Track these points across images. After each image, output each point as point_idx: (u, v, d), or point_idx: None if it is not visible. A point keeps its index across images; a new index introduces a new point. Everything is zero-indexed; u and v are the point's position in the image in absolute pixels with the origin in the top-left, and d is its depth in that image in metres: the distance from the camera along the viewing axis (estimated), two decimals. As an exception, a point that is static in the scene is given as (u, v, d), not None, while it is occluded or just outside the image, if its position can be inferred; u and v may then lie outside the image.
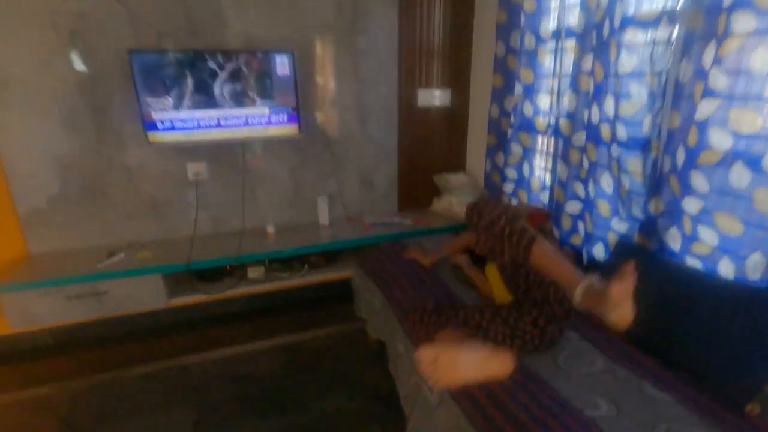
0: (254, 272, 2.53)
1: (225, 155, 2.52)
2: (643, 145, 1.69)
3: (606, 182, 1.92)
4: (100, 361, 2.23)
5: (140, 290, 2.18)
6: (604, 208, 1.96)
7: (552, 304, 1.51)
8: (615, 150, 1.80)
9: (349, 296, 2.45)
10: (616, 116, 1.77)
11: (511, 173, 2.57)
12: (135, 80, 2.11)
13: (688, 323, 1.45)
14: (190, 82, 2.18)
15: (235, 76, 2.26)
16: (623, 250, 1.83)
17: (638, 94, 1.68)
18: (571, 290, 1.17)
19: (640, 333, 1.56)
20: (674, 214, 1.62)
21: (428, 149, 2.97)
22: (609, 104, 1.81)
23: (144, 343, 2.38)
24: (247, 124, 2.37)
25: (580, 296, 1.15)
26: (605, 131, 1.85)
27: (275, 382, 2.07)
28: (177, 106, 2.21)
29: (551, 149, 2.25)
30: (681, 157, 1.55)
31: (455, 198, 2.80)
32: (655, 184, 1.65)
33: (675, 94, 1.54)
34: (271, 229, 2.57)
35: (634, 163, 1.73)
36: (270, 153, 2.61)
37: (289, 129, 2.46)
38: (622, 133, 1.77)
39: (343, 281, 2.62)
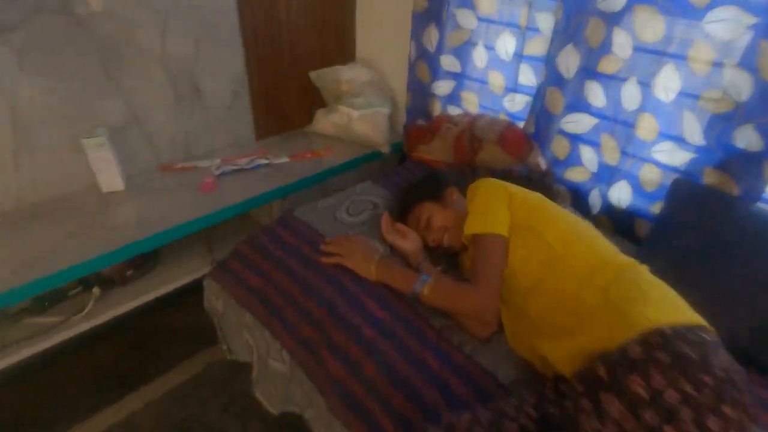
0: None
1: None
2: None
3: (666, 82, 1.08)
4: None
5: None
6: (648, 126, 1.16)
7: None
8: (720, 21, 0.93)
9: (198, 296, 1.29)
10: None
11: (449, 63, 1.54)
12: None
13: None
14: None
15: None
16: (686, 194, 1.12)
17: None
18: None
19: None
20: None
21: (295, 20, 1.65)
22: None
23: None
24: None
25: None
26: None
27: None
28: None
29: (538, 21, 1.28)
30: None
31: (355, 110, 1.67)
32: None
33: None
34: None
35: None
36: None
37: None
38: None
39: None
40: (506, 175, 1.27)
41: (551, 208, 0.97)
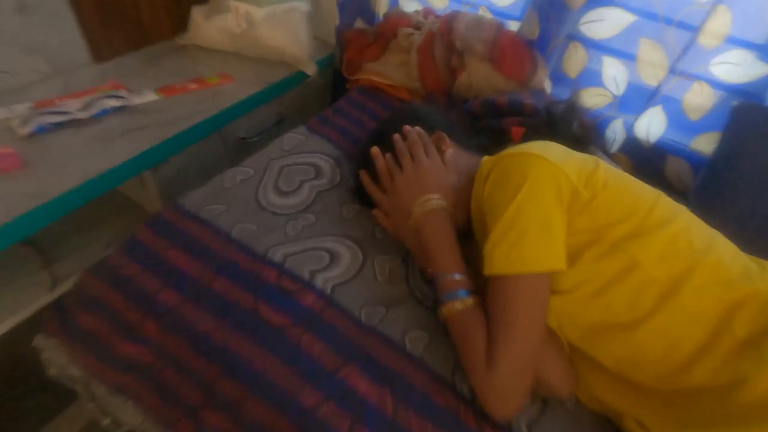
0: None
1: None
2: None
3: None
4: None
5: None
6: (717, 28, 0.79)
7: None
8: None
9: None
10: None
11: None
12: None
13: None
14: None
15: None
16: (758, 125, 0.82)
17: None
18: None
19: None
20: None
21: None
22: None
23: None
24: None
25: None
26: None
27: None
28: None
29: None
30: None
31: (258, 8, 1.05)
32: None
33: None
34: None
35: None
36: None
37: None
38: None
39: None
40: (515, 110, 0.85)
41: (646, 200, 0.56)
